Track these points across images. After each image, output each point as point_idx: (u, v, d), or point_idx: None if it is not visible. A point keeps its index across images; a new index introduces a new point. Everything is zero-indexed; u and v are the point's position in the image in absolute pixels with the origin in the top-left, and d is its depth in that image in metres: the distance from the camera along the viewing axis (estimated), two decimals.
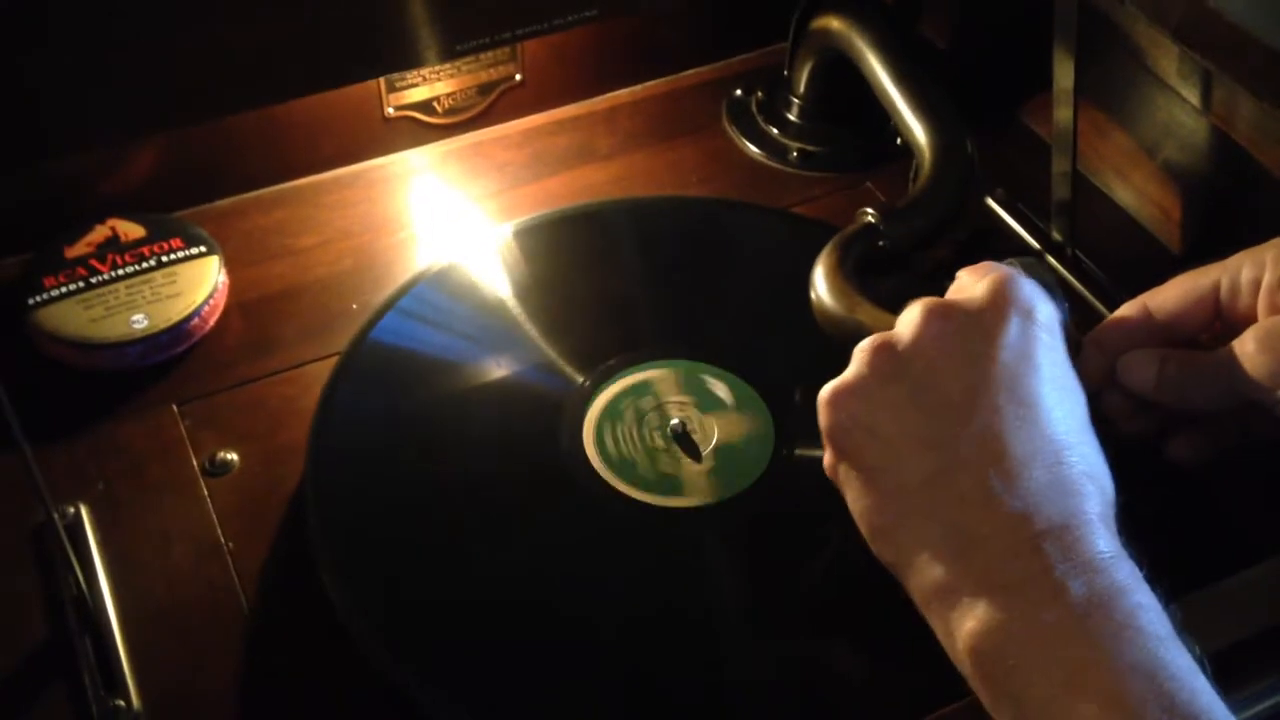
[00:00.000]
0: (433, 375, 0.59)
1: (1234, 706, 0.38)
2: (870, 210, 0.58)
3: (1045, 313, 0.46)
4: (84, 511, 0.55)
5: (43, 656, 0.50)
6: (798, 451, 0.56)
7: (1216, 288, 0.49)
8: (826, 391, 0.46)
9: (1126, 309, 0.51)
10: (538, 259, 0.64)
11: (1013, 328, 0.44)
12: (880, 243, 0.58)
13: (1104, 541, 0.40)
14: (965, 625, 0.40)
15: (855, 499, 0.45)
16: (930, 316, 0.45)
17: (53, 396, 0.59)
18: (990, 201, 0.69)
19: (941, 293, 0.49)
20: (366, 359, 0.58)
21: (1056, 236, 0.66)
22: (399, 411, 0.57)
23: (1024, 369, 0.44)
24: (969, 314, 0.45)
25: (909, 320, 0.46)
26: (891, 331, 0.46)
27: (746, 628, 0.51)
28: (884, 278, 0.58)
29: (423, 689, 0.48)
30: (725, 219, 0.68)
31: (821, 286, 0.55)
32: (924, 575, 0.42)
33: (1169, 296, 0.50)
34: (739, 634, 0.51)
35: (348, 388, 0.57)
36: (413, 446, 0.56)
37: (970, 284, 0.47)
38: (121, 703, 0.49)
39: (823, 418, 0.46)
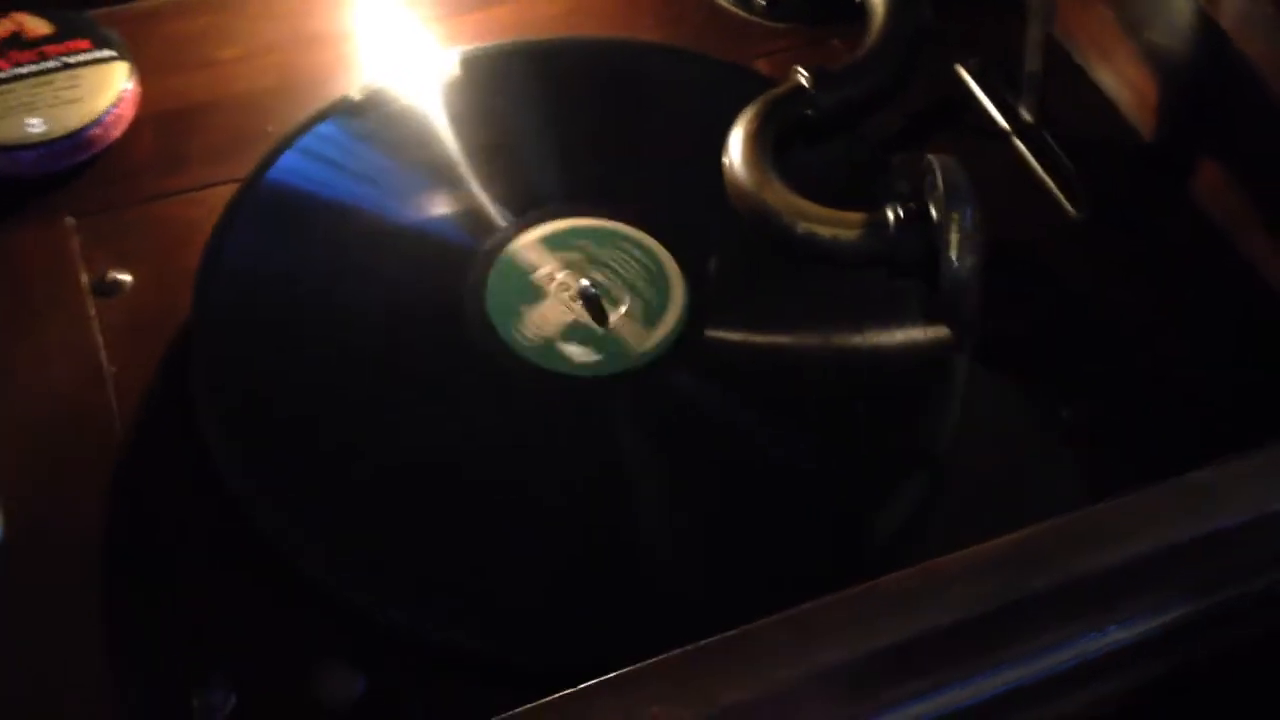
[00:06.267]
0: (335, 221, 0.55)
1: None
2: (803, 70, 0.54)
3: None
4: None
5: None
6: (708, 332, 0.53)
7: None
8: None
9: None
10: (463, 99, 0.60)
11: None
12: (807, 111, 0.53)
13: None
14: None
15: None
16: None
17: None
18: (960, 70, 0.65)
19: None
20: (263, 198, 0.54)
21: (1026, 116, 0.62)
22: (297, 257, 0.54)
23: None
24: None
25: None
26: None
27: (641, 501, 0.49)
28: (824, 143, 0.55)
29: (300, 548, 0.45)
30: (678, 71, 0.63)
31: (735, 153, 0.51)
32: None
33: None
34: (633, 507, 0.49)
35: (242, 228, 0.53)
36: (310, 295, 0.53)
37: None
38: None
39: None
